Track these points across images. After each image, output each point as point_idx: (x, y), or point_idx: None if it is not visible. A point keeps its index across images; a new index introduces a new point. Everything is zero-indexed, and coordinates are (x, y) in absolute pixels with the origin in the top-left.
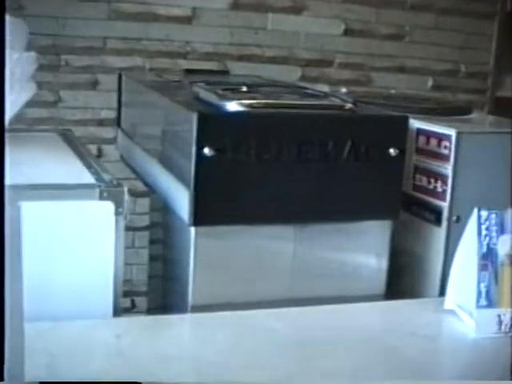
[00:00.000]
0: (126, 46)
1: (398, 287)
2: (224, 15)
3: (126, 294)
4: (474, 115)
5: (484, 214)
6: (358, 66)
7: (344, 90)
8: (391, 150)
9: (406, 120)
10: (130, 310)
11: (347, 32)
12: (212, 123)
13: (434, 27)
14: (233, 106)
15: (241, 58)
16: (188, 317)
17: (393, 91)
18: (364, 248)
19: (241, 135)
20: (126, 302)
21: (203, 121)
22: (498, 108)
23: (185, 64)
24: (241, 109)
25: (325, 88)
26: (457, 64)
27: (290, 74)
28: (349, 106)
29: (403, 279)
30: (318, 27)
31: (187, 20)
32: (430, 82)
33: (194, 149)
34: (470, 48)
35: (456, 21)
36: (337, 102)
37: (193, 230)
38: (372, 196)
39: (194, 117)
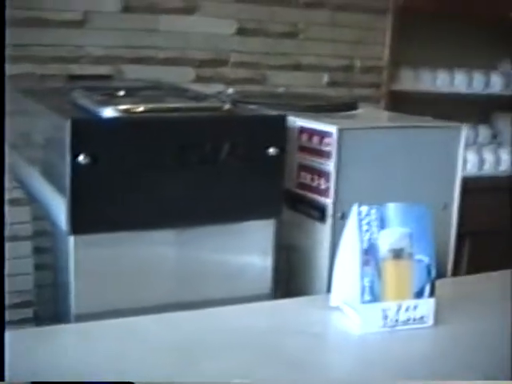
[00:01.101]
0: (17, 53)
1: (288, 286)
2: (116, 18)
3: (27, 305)
4: (360, 111)
5: (364, 209)
6: (252, 65)
7: (231, 90)
8: (271, 150)
9: (283, 119)
10: (34, 320)
11: (241, 31)
12: (86, 130)
13: (329, 23)
14: (109, 112)
15: (135, 61)
16: (71, 327)
17: (281, 89)
18: (248, 248)
19: (116, 141)
20: (29, 313)
21: (77, 127)
22: (394, 101)
23: (77, 69)
24: (117, 114)
25: (219, 88)
26: (352, 59)
27: (185, 75)
28: (227, 107)
29: (293, 277)
30: (211, 27)
31: (79, 24)
32: (326, 79)
33: (68, 156)
34: (364, 43)
35: (350, 16)
36: (215, 103)
37: (72, 238)
38: (253, 196)
39: (68, 124)
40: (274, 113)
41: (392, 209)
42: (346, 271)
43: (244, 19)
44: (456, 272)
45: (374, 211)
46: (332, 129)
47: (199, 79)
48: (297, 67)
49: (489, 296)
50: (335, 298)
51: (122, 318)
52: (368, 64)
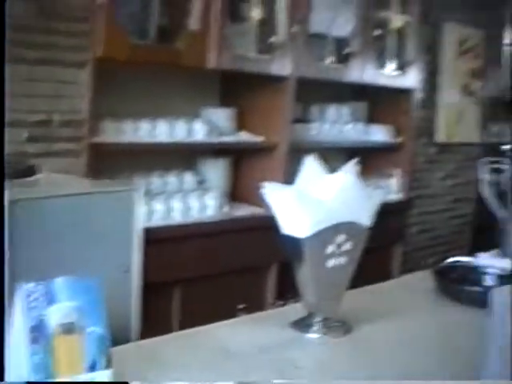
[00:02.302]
0: None
1: None
2: None
3: None
4: (39, 176)
5: (29, 286)
6: None
7: None
8: None
9: None
10: None
11: None
12: None
13: (26, 78)
14: None
15: None
16: None
17: None
18: None
19: None
20: None
21: None
22: (97, 154)
23: None
24: None
25: None
26: (50, 114)
27: None
28: None
29: None
30: None
31: None
32: (25, 134)
33: None
34: (63, 97)
35: (48, 71)
36: None
37: None
38: None
39: None
40: None
41: (60, 283)
42: (18, 349)
43: None
44: (166, 326)
45: (40, 287)
46: None
47: None
48: None
49: (185, 357)
50: (11, 375)
51: None
52: (68, 118)
